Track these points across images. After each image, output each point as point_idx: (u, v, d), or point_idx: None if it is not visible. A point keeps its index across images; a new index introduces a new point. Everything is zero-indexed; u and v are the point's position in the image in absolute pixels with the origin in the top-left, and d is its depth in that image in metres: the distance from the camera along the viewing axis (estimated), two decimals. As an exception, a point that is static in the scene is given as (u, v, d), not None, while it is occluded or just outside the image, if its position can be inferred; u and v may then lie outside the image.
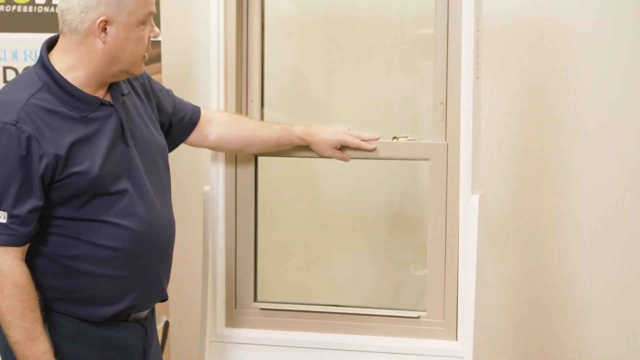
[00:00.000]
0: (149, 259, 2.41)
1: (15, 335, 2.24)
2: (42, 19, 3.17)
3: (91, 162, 2.29)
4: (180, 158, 3.62)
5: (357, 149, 2.77)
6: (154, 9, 2.36)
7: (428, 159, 2.80)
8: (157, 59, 3.34)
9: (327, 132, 2.78)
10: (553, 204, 3.43)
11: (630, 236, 3.39)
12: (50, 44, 2.36)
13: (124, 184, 2.35)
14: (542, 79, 3.41)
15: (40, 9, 3.17)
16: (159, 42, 3.35)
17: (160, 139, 2.55)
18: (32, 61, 3.14)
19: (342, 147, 2.78)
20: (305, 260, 3.34)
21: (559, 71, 3.38)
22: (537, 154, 3.43)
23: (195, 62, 3.66)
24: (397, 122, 3.25)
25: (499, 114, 3.38)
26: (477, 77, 2.77)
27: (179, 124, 2.69)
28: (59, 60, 2.32)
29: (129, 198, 2.36)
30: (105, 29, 2.28)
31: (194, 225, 3.09)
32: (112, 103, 2.38)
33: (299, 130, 2.77)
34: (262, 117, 2.98)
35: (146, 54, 2.39)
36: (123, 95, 2.44)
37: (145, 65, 2.57)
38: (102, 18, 2.27)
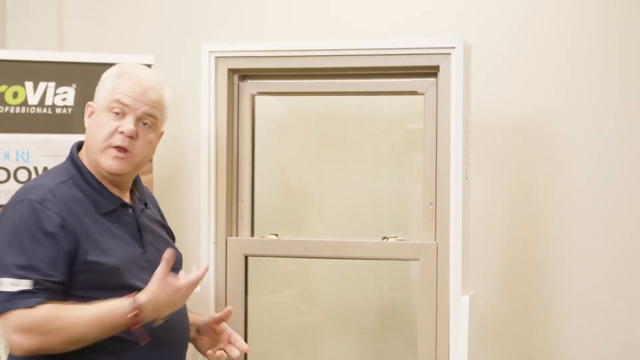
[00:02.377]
0: (167, 354, 2.40)
1: (89, 333, 2.21)
2: (35, 120, 3.19)
3: (110, 255, 2.29)
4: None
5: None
6: (125, 100, 2.35)
7: (418, 259, 2.81)
8: (147, 158, 3.36)
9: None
10: (543, 303, 3.43)
11: (621, 331, 3.38)
12: (80, 145, 2.45)
13: (141, 282, 2.32)
14: (531, 180, 3.44)
15: (33, 109, 3.19)
16: (150, 141, 3.36)
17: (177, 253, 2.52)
18: (24, 162, 3.16)
19: None
20: (296, 356, 3.32)
21: (548, 172, 3.42)
22: (527, 253, 3.44)
23: (186, 161, 3.68)
24: (387, 219, 3.27)
25: (488, 213, 3.41)
26: (466, 178, 2.81)
27: None
28: (84, 158, 2.40)
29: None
30: (91, 114, 2.42)
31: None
32: (132, 206, 2.43)
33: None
34: (252, 218, 3.00)
35: (117, 151, 2.35)
36: (146, 205, 2.50)
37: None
38: (89, 102, 2.42)
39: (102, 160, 2.36)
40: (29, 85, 3.20)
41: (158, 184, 3.44)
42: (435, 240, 2.81)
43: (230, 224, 2.97)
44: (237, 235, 2.97)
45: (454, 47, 2.76)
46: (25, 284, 2.19)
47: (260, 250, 2.95)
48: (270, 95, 3.06)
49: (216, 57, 2.93)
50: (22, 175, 3.16)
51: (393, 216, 3.28)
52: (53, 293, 2.22)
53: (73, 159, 2.39)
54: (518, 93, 3.43)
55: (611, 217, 3.38)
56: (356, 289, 3.30)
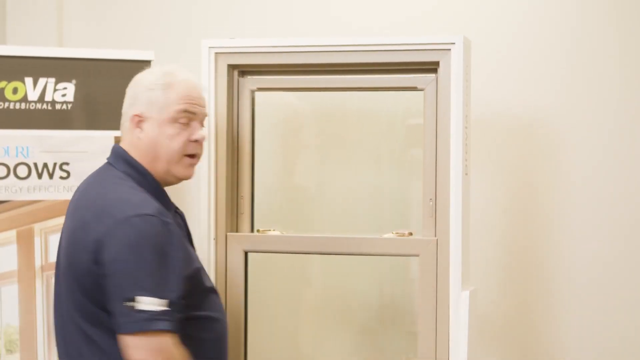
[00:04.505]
0: (225, 346, 2.48)
1: None
2: (35, 116, 3.19)
3: (194, 260, 2.37)
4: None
5: None
6: (191, 109, 2.39)
7: (418, 255, 2.81)
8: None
9: None
10: (543, 299, 3.43)
11: (619, 331, 3.38)
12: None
13: (209, 281, 2.44)
14: (530, 176, 3.44)
15: (32, 105, 3.19)
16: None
17: None
18: (24, 157, 3.15)
19: None
20: (296, 351, 3.32)
21: (548, 169, 3.42)
22: (527, 249, 3.44)
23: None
24: (387, 214, 3.27)
25: (488, 210, 3.41)
26: (466, 174, 2.81)
27: None
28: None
29: (215, 292, 2.44)
30: (140, 124, 2.36)
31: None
32: (177, 209, 2.49)
33: None
34: (252, 214, 3.00)
35: (191, 158, 2.41)
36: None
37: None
38: (135, 113, 2.36)
39: (176, 169, 2.39)
40: (28, 81, 3.20)
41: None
42: (435, 236, 2.80)
43: (231, 220, 2.96)
44: (237, 231, 2.97)
45: (454, 43, 2.76)
46: (164, 304, 2.17)
47: (260, 246, 2.94)
48: (270, 91, 3.06)
49: (216, 52, 2.93)
50: (22, 171, 3.15)
51: (393, 212, 3.28)
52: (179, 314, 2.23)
53: (133, 165, 2.37)
54: (518, 91, 3.44)
55: (610, 215, 3.38)
56: (356, 285, 3.30)
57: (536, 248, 3.43)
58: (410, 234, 2.85)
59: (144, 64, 3.35)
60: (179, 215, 2.51)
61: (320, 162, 3.37)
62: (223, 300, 2.89)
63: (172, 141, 2.36)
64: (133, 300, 2.15)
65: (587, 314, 3.39)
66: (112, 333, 2.20)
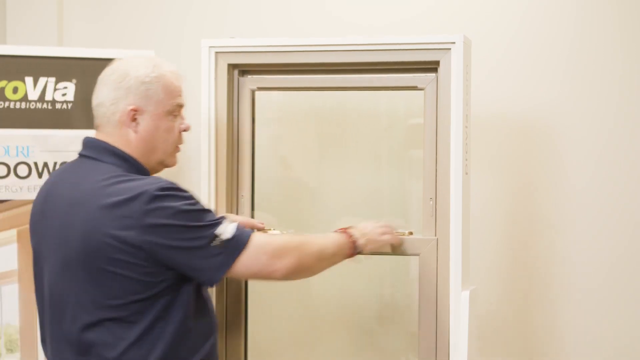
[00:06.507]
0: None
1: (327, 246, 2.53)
2: (35, 115, 3.19)
3: None
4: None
5: None
6: (182, 101, 2.44)
7: (418, 254, 2.81)
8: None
9: None
10: (543, 299, 3.43)
11: (621, 326, 3.38)
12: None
13: None
14: (530, 175, 3.44)
15: (33, 105, 3.20)
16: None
17: None
18: (24, 157, 3.15)
19: None
20: (296, 351, 3.32)
21: (548, 168, 3.42)
22: (527, 248, 3.44)
23: (186, 157, 3.67)
24: (387, 214, 3.27)
25: (488, 210, 3.41)
26: (467, 173, 2.81)
27: None
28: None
29: None
30: (136, 118, 2.36)
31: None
32: None
33: None
34: (252, 214, 3.00)
35: (179, 146, 2.48)
36: None
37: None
38: (131, 107, 2.35)
39: (169, 160, 2.48)
40: (29, 80, 3.20)
41: (158, 180, 3.44)
42: (435, 235, 2.80)
43: (230, 220, 2.96)
44: (236, 231, 2.96)
45: (454, 42, 2.76)
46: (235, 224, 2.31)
47: (260, 246, 2.94)
48: (271, 90, 3.05)
49: (216, 52, 2.92)
50: (22, 171, 3.16)
51: (393, 212, 3.28)
52: None
53: (118, 154, 2.36)
54: (518, 91, 3.44)
55: (610, 213, 3.38)
56: (356, 284, 3.30)
57: (536, 248, 3.43)
58: (411, 233, 2.85)
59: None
60: None
61: (321, 162, 3.37)
62: (223, 301, 2.91)
63: (170, 134, 2.42)
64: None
65: (587, 314, 3.39)
66: None
